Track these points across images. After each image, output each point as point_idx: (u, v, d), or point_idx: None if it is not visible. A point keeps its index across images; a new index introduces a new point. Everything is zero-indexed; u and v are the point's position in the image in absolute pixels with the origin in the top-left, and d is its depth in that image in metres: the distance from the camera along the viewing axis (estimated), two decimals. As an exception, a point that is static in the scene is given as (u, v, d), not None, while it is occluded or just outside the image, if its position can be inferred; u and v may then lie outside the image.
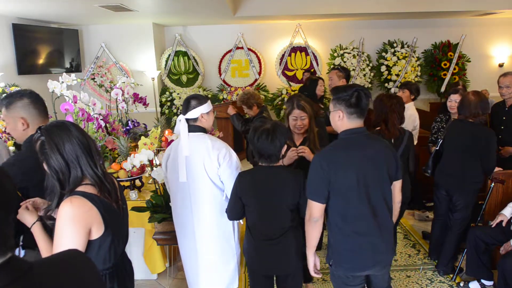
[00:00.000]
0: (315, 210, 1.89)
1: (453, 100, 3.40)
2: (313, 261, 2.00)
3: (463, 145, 2.97)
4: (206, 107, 2.21)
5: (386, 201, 1.92)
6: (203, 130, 2.22)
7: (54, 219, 1.46)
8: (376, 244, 1.90)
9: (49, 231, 1.50)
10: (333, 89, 1.96)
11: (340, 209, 1.88)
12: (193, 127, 2.20)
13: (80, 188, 1.44)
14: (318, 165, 1.87)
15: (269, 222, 2.08)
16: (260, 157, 2.07)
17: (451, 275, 3.18)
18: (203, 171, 2.17)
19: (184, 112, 2.19)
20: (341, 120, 1.87)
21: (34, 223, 1.49)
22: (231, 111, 4.01)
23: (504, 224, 2.82)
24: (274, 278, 2.31)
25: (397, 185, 2.03)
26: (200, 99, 2.20)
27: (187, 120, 2.20)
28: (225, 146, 2.21)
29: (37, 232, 1.48)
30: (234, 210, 2.12)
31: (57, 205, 1.43)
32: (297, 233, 2.15)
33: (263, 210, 2.07)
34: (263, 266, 2.17)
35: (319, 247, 3.57)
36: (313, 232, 1.94)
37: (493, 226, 2.85)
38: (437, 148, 3.24)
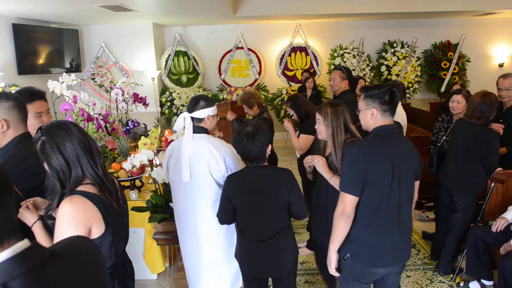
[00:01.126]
0: (348, 204, 1.86)
1: (456, 101, 3.37)
2: (335, 258, 1.96)
3: (465, 146, 2.97)
4: (213, 109, 2.22)
5: (411, 199, 1.94)
6: (206, 131, 2.23)
7: (54, 219, 1.47)
8: (396, 241, 1.91)
9: (50, 230, 1.50)
10: (364, 88, 1.97)
11: (371, 203, 1.86)
12: (197, 128, 2.19)
13: (80, 188, 1.44)
14: (354, 158, 1.85)
15: (260, 223, 2.06)
16: (246, 160, 2.06)
17: (451, 275, 3.18)
18: (207, 172, 2.16)
19: (191, 110, 2.18)
20: (374, 117, 1.89)
21: (35, 222, 1.49)
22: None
23: (503, 227, 2.80)
24: (270, 280, 2.29)
25: (416, 185, 2.03)
26: (209, 101, 2.21)
27: (192, 119, 2.20)
28: (230, 149, 2.22)
29: (38, 231, 1.48)
30: (225, 213, 2.09)
31: (58, 205, 1.43)
32: (289, 234, 2.12)
33: (254, 212, 2.05)
34: (255, 268, 2.14)
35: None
36: (343, 227, 1.89)
37: (494, 231, 2.81)
38: (439, 144, 3.24)
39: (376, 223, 1.88)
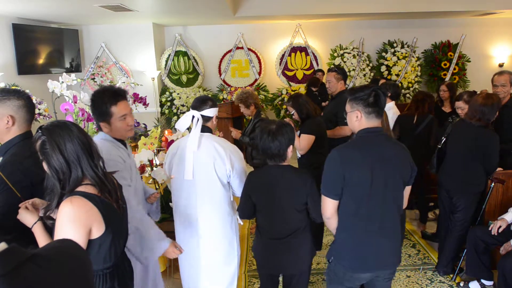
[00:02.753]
0: (326, 207, 1.89)
1: (459, 108, 3.45)
2: None
3: (465, 146, 2.96)
4: (217, 110, 2.28)
5: (397, 204, 1.90)
6: (210, 131, 2.26)
7: (53, 219, 1.46)
8: (381, 246, 1.88)
9: (50, 231, 1.50)
10: (350, 90, 1.96)
11: (350, 206, 1.86)
12: (203, 127, 2.22)
13: (80, 188, 1.44)
14: (333, 161, 1.86)
15: (276, 221, 2.09)
16: (266, 157, 2.09)
17: (451, 275, 3.18)
18: (212, 170, 2.18)
19: (200, 108, 2.21)
20: (359, 120, 1.86)
21: (35, 223, 1.49)
22: (237, 135, 3.89)
23: (501, 229, 2.79)
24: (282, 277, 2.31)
25: (406, 191, 1.98)
26: (214, 101, 2.27)
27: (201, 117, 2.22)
28: (236, 149, 2.26)
29: (38, 232, 1.48)
30: (245, 208, 2.16)
31: (57, 205, 1.42)
32: (306, 234, 2.13)
33: (270, 210, 2.09)
34: (269, 265, 2.18)
35: (319, 247, 3.57)
36: (330, 227, 1.98)
37: (493, 233, 2.80)
38: (439, 146, 3.23)
39: (355, 227, 1.87)
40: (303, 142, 3.19)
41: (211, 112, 2.22)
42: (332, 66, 7.56)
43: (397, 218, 1.91)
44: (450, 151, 3.12)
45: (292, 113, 3.33)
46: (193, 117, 2.22)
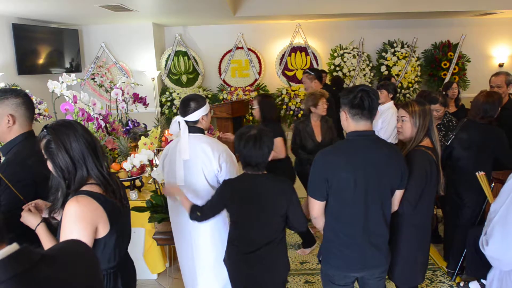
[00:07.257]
0: (313, 208, 1.92)
1: (435, 110, 3.38)
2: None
3: (474, 145, 2.94)
4: (206, 108, 2.18)
5: (382, 208, 1.89)
6: (201, 131, 2.20)
7: (57, 220, 1.47)
8: (363, 248, 1.88)
9: (54, 231, 1.50)
10: (343, 90, 1.97)
11: (333, 208, 1.88)
12: (192, 128, 2.17)
13: (85, 188, 1.44)
14: (317, 163, 1.88)
15: (252, 233, 1.95)
16: (247, 165, 1.94)
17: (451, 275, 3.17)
18: (201, 174, 2.15)
19: (183, 114, 2.14)
20: (346, 121, 1.87)
21: (38, 224, 1.49)
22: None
23: None
24: None
25: (397, 195, 1.97)
26: (199, 101, 2.16)
27: (186, 122, 2.16)
28: (225, 149, 2.19)
29: (42, 233, 1.48)
30: (210, 212, 1.99)
31: (62, 205, 1.42)
32: (281, 248, 2.01)
33: (246, 221, 1.96)
34: (242, 278, 2.04)
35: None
36: (317, 225, 2.01)
37: None
38: (447, 143, 3.21)
39: (339, 228, 1.89)
40: (277, 146, 3.12)
41: (196, 115, 2.13)
42: (332, 66, 7.58)
43: (381, 222, 1.89)
44: (458, 149, 3.07)
45: (254, 107, 3.32)
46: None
